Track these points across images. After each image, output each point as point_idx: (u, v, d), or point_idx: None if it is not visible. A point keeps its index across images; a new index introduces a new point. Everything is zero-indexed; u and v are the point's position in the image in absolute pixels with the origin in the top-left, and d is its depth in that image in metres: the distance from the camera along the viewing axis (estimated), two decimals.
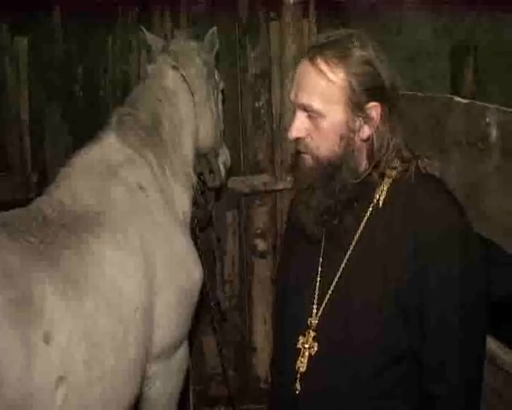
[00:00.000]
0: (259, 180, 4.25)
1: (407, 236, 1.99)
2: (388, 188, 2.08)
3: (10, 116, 4.71)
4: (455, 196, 2.08)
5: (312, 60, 2.01)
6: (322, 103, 2.00)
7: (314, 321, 2.12)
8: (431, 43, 4.15)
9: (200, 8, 4.28)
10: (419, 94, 2.76)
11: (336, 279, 2.10)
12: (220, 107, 3.73)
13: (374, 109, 2.01)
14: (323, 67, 1.99)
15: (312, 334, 2.11)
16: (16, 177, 4.67)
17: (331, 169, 2.03)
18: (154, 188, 3.11)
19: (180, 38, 3.58)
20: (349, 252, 2.09)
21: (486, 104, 2.30)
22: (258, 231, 4.31)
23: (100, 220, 2.79)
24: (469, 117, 2.38)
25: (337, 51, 1.99)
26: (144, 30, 3.61)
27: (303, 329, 2.13)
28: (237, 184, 4.25)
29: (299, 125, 2.06)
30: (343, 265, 2.09)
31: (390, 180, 2.08)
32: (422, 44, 4.11)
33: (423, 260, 1.96)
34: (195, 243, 3.47)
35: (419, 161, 2.09)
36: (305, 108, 2.04)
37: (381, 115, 2.02)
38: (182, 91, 3.37)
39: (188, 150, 3.38)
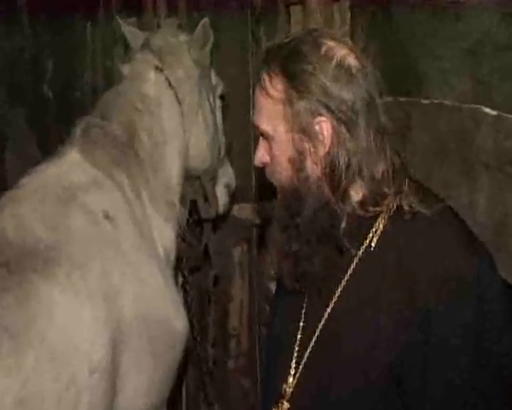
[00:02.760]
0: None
1: (401, 294, 2.02)
2: (385, 226, 2.11)
3: None
4: (469, 235, 2.09)
5: (258, 74, 2.16)
6: (268, 123, 2.15)
7: (289, 389, 2.19)
8: (498, 33, 4.18)
9: None
10: (446, 103, 2.80)
11: (316, 337, 2.16)
12: (219, 117, 3.77)
13: (324, 126, 2.07)
14: (265, 80, 2.12)
15: (286, 405, 2.18)
16: None
17: (291, 202, 2.13)
18: (124, 217, 3.19)
19: (166, 30, 3.61)
20: (331, 305, 2.15)
21: None
22: (273, 272, 4.32)
23: (52, 257, 2.87)
24: (497, 134, 2.43)
25: (278, 59, 2.10)
26: (119, 19, 3.68)
27: (277, 398, 2.20)
28: (246, 212, 4.29)
29: (260, 151, 2.22)
30: (323, 321, 2.16)
31: (386, 216, 2.12)
32: (487, 34, 4.13)
33: (422, 326, 1.99)
34: (184, 288, 3.55)
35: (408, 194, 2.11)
36: (260, 132, 2.19)
37: (332, 133, 2.07)
38: (166, 98, 3.43)
39: (172, 172, 3.44)
